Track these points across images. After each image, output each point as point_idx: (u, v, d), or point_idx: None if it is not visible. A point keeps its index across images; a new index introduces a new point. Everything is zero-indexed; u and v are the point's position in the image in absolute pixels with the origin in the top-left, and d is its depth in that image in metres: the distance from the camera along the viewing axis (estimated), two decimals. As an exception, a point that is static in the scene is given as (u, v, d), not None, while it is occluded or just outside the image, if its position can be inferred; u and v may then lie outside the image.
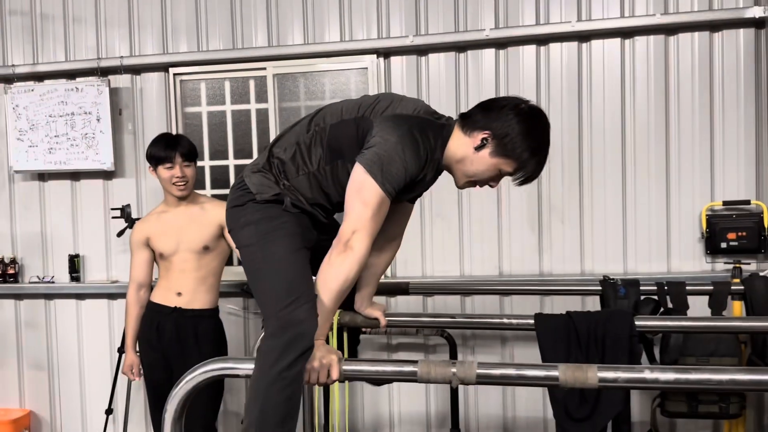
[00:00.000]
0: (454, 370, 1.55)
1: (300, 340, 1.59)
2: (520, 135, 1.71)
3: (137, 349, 3.03)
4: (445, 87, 3.41)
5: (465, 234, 3.42)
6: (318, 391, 3.18)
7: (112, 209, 3.48)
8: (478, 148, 1.74)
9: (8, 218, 3.90)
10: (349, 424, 3.36)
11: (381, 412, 3.53)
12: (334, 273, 1.65)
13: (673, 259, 3.25)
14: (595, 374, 1.48)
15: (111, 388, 3.56)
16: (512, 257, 3.37)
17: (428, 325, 2.60)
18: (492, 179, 1.81)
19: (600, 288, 2.63)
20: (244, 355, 3.49)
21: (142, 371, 3.03)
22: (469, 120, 1.78)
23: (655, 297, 2.61)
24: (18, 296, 3.89)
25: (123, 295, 3.61)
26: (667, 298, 2.58)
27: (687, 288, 2.58)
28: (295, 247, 1.77)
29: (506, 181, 3.32)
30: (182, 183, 2.88)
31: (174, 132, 3.61)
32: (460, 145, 1.78)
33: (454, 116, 1.88)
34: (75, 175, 3.80)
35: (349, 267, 1.65)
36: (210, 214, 2.94)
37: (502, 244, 3.38)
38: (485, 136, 1.73)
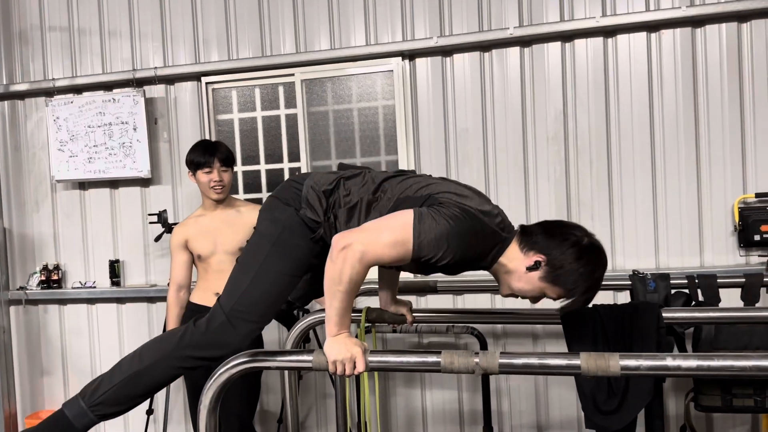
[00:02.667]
0: (476, 360, 1.57)
1: (222, 347, 1.82)
2: (575, 270, 1.71)
3: None
4: (471, 87, 3.44)
5: (493, 232, 3.42)
6: (350, 387, 3.24)
7: (150, 215, 3.60)
8: (530, 269, 1.75)
9: (51, 226, 4.06)
10: (381, 419, 3.40)
11: (414, 408, 3.56)
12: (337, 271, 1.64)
13: (706, 253, 3.21)
14: (617, 362, 1.49)
15: (151, 389, 3.68)
16: (541, 254, 3.36)
17: (455, 320, 2.62)
18: (534, 298, 1.81)
19: (629, 283, 2.62)
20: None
21: None
22: (530, 239, 1.78)
23: (686, 290, 2.59)
24: (62, 301, 4.05)
25: (162, 299, 3.74)
26: (698, 291, 2.55)
27: (718, 281, 2.55)
28: (292, 272, 1.87)
29: (534, 178, 3.36)
30: (220, 187, 2.98)
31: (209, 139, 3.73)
32: (513, 258, 1.78)
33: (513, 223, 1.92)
34: (114, 183, 3.94)
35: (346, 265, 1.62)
36: (245, 218, 3.03)
37: (530, 241, 3.38)
38: (540, 260, 1.74)
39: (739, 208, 3.12)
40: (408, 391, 3.55)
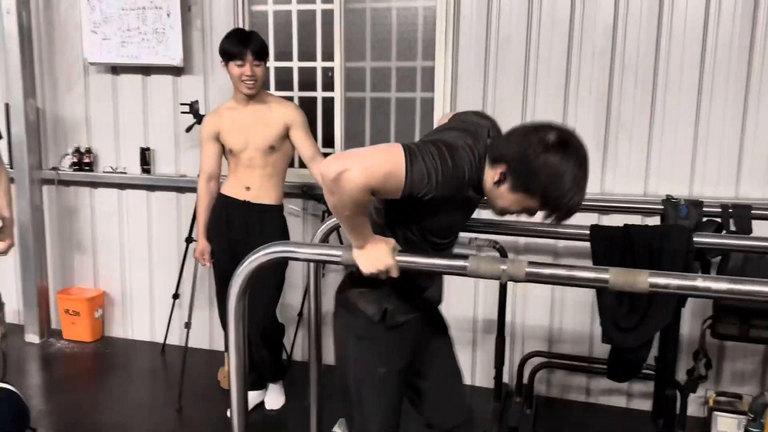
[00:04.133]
0: (504, 267, 1.58)
1: None
2: (540, 172, 1.51)
3: (208, 237, 3.17)
4: (516, 25, 3.27)
5: (526, 147, 3.37)
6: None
7: (182, 104, 3.57)
8: (498, 183, 1.60)
9: (83, 109, 4.07)
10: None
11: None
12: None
13: (742, 185, 3.13)
14: (646, 279, 1.48)
15: (178, 275, 3.80)
16: (573, 173, 3.31)
17: (478, 231, 2.62)
18: (524, 212, 1.64)
19: (661, 207, 2.59)
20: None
21: (211, 258, 3.19)
22: (494, 152, 1.62)
23: (718, 219, 2.56)
24: (93, 184, 4.12)
25: (190, 189, 3.79)
26: (731, 221, 2.52)
27: (753, 212, 2.51)
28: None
29: (574, 94, 3.25)
30: (251, 81, 2.92)
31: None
32: (487, 178, 1.63)
33: None
34: (146, 70, 3.90)
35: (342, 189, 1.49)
36: (275, 114, 3.00)
37: (563, 159, 3.32)
38: (502, 170, 1.58)
39: (784, 140, 3.01)
40: (426, 297, 3.62)
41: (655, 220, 2.90)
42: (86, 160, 4.06)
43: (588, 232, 2.13)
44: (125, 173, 4.01)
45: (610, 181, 3.28)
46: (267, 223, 3.06)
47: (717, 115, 3.11)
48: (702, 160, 3.16)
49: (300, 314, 3.69)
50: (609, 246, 2.08)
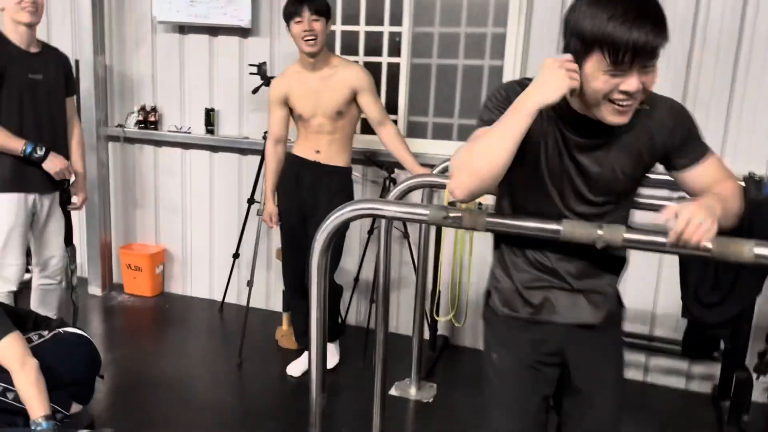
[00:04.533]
0: (600, 231, 1.55)
1: None
2: (578, 23, 1.34)
3: (277, 197, 3.21)
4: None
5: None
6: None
7: (250, 65, 3.59)
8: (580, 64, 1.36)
9: (150, 68, 4.12)
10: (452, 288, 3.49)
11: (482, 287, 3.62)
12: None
13: (824, 166, 3.02)
14: (752, 248, 1.44)
15: (239, 235, 3.86)
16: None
17: None
18: (614, 88, 1.34)
19: (743, 184, 2.51)
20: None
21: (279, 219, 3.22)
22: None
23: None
24: (157, 143, 4.19)
25: (253, 151, 3.83)
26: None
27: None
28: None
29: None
30: (311, 38, 2.88)
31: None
32: None
33: None
34: (213, 30, 3.92)
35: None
36: (342, 78, 2.98)
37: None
38: (568, 48, 1.38)
39: None
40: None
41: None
42: (151, 119, 4.12)
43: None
44: (189, 133, 4.07)
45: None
46: (335, 183, 3.08)
47: (803, 92, 2.99)
48: (783, 138, 3.05)
49: (356, 279, 3.71)
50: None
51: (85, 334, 2.71)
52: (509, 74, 3.39)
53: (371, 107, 3.05)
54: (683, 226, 1.35)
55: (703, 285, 2.00)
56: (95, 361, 2.71)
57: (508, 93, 1.47)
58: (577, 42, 1.35)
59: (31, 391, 2.18)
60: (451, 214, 1.68)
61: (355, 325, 3.86)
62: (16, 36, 2.79)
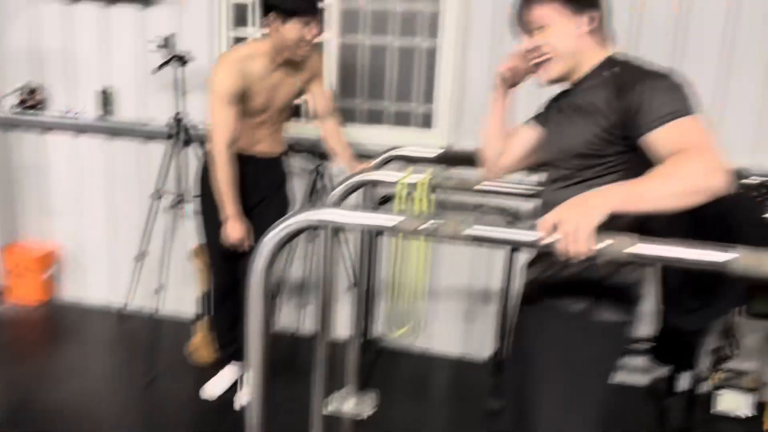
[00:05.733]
0: (606, 243, 1.32)
1: None
2: None
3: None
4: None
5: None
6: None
7: (155, 37, 3.11)
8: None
9: (30, 41, 3.53)
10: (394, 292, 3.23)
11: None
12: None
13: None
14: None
15: (143, 233, 3.39)
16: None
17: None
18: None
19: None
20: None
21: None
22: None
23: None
24: (43, 128, 3.62)
25: (157, 136, 3.38)
26: (775, 193, 2.35)
27: (799, 185, 2.35)
28: None
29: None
30: (309, 48, 2.49)
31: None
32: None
33: None
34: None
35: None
36: (301, 71, 2.64)
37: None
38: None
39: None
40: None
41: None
42: (38, 98, 3.54)
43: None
44: (81, 116, 3.53)
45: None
46: (274, 174, 2.78)
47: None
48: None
49: (279, 281, 3.37)
50: (673, 216, 1.86)
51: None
52: (447, 54, 3.14)
53: (321, 97, 2.73)
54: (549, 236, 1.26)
55: (686, 290, 1.84)
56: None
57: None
58: None
59: None
60: (427, 224, 1.40)
61: (278, 331, 3.52)
62: None
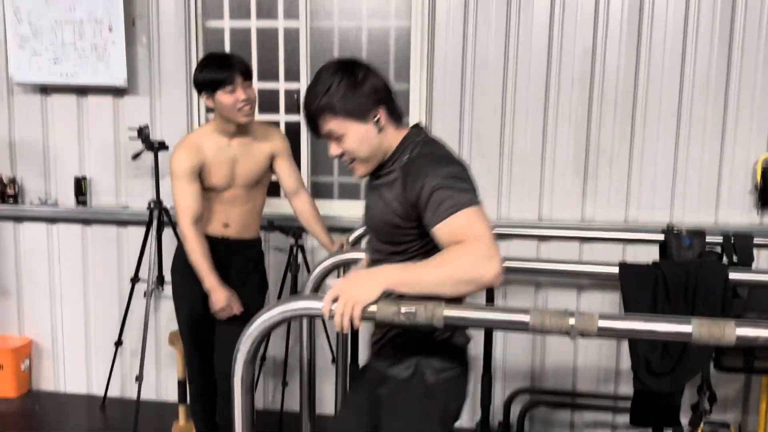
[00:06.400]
0: (572, 321, 1.39)
1: None
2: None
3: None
4: (495, 16, 3.15)
5: (504, 175, 3.24)
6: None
7: (130, 129, 3.20)
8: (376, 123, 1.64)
9: (7, 134, 3.59)
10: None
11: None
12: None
13: (721, 210, 3.12)
14: (733, 331, 1.34)
15: (121, 320, 3.39)
16: (554, 201, 3.21)
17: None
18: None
19: (661, 237, 2.50)
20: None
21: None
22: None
23: (719, 249, 2.50)
24: (18, 219, 3.63)
25: (133, 222, 3.42)
26: (733, 250, 2.46)
27: (755, 241, 2.46)
28: None
29: (553, 120, 3.15)
30: (248, 106, 2.52)
31: (194, 49, 3.35)
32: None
33: None
34: (82, 91, 3.49)
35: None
36: (262, 144, 2.66)
37: (543, 187, 3.21)
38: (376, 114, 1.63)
39: (762, 167, 3.02)
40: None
41: (637, 249, 2.84)
42: (9, 192, 3.57)
43: (615, 270, 1.98)
44: (57, 205, 3.56)
45: (591, 208, 3.19)
46: (247, 260, 2.74)
47: (696, 140, 3.10)
48: (681, 185, 3.13)
49: (263, 358, 3.36)
50: (640, 284, 1.94)
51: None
52: (415, 110, 3.27)
53: (288, 174, 2.76)
54: (328, 300, 1.43)
55: (655, 353, 1.91)
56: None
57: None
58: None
59: None
60: (404, 310, 1.45)
61: (261, 409, 3.49)
62: None
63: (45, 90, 3.52)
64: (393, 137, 1.63)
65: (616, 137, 3.15)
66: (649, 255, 2.68)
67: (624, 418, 3.24)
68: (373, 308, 1.46)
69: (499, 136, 3.21)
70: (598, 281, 3.02)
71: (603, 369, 3.23)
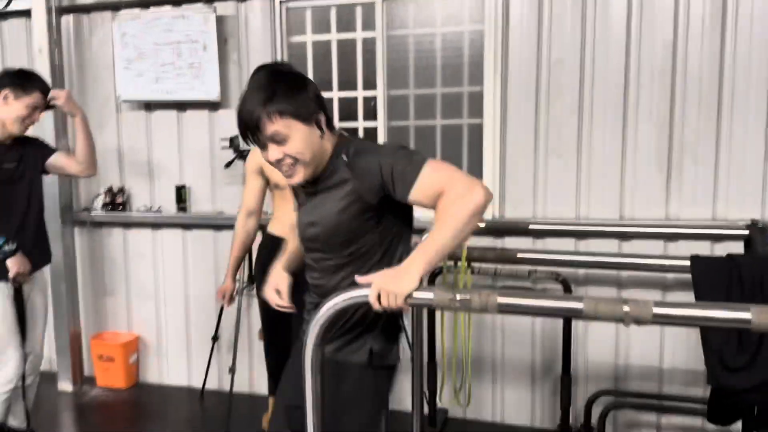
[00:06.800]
0: (626, 308, 1.40)
1: None
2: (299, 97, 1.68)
3: (238, 276, 3.07)
4: (570, 11, 3.14)
5: (583, 173, 3.21)
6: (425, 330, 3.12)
7: (222, 139, 3.45)
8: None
9: (116, 148, 3.95)
10: (449, 364, 3.30)
11: (484, 356, 3.44)
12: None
13: (818, 207, 2.94)
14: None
15: (218, 317, 3.63)
16: (635, 199, 3.14)
17: (569, 263, 2.42)
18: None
19: (745, 233, 2.41)
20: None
21: (235, 298, 3.11)
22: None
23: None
24: (126, 225, 3.98)
25: (229, 227, 3.64)
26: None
27: None
28: None
29: (633, 119, 3.10)
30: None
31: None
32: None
33: None
34: (181, 106, 3.79)
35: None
36: None
37: (625, 184, 3.15)
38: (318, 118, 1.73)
39: None
40: (478, 337, 3.42)
41: (737, 245, 2.72)
42: (119, 200, 3.93)
43: (687, 263, 1.94)
44: (160, 212, 3.88)
45: (675, 206, 3.09)
46: None
47: (789, 133, 2.94)
48: (774, 181, 2.98)
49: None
50: (713, 278, 1.90)
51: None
52: (489, 132, 3.31)
53: None
54: (374, 297, 1.54)
55: (730, 348, 1.85)
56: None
57: None
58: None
59: None
60: (459, 297, 1.52)
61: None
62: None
63: (148, 106, 3.85)
64: (329, 142, 1.71)
65: (701, 132, 3.04)
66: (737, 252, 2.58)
67: (669, 419, 3.15)
68: (430, 296, 1.55)
69: (577, 134, 3.19)
70: (683, 281, 2.92)
71: (691, 372, 3.10)
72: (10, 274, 2.68)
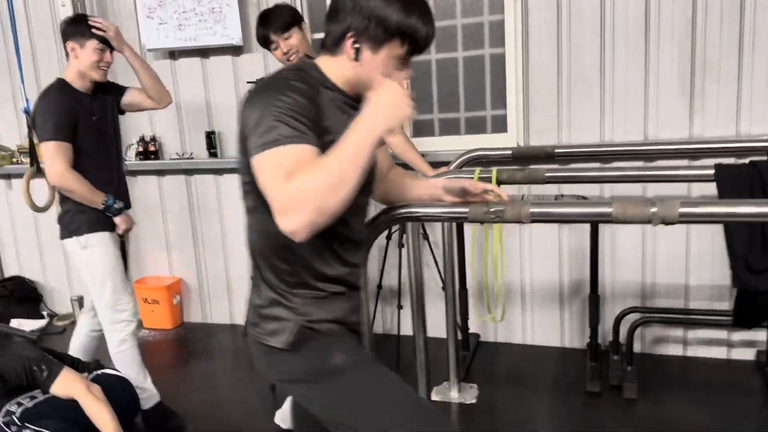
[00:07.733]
0: (654, 209, 1.49)
1: None
2: (381, 10, 1.35)
3: None
4: (589, -66, 3.11)
5: (607, 97, 3.24)
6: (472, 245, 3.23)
7: (247, 83, 3.52)
8: (357, 58, 1.39)
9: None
10: (479, 288, 3.42)
11: (513, 282, 3.56)
12: None
13: (844, 118, 2.96)
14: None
15: (254, 256, 3.78)
16: (659, 121, 3.18)
17: (596, 179, 2.50)
18: (398, 71, 1.42)
19: (767, 145, 2.45)
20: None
21: None
22: (326, 36, 1.45)
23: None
24: (160, 172, 4.12)
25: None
26: None
27: None
28: None
29: (655, 39, 3.10)
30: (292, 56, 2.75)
31: (300, 7, 3.58)
32: (341, 69, 1.43)
33: None
34: (204, 52, 3.86)
35: None
36: None
37: (648, 107, 3.18)
38: (351, 41, 1.38)
39: None
40: (508, 263, 3.54)
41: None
42: (152, 149, 4.05)
43: (711, 172, 2.01)
44: (192, 158, 3.99)
45: (699, 126, 3.13)
46: None
47: (814, 45, 2.93)
48: (798, 95, 2.99)
49: (380, 286, 3.64)
50: (736, 184, 1.97)
51: (124, 376, 2.67)
52: (511, 62, 3.33)
53: None
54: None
55: (754, 251, 1.94)
56: (134, 402, 2.68)
57: (301, 96, 1.33)
58: (379, 29, 1.36)
59: (104, 413, 2.27)
60: (492, 209, 1.62)
61: (382, 333, 3.79)
62: (81, 84, 2.74)
63: (173, 54, 3.92)
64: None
65: (723, 50, 3.04)
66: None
67: (741, 336, 3.23)
68: (465, 210, 1.65)
69: (600, 58, 3.20)
70: (707, 198, 2.99)
71: (717, 287, 3.20)
72: (119, 231, 2.81)
